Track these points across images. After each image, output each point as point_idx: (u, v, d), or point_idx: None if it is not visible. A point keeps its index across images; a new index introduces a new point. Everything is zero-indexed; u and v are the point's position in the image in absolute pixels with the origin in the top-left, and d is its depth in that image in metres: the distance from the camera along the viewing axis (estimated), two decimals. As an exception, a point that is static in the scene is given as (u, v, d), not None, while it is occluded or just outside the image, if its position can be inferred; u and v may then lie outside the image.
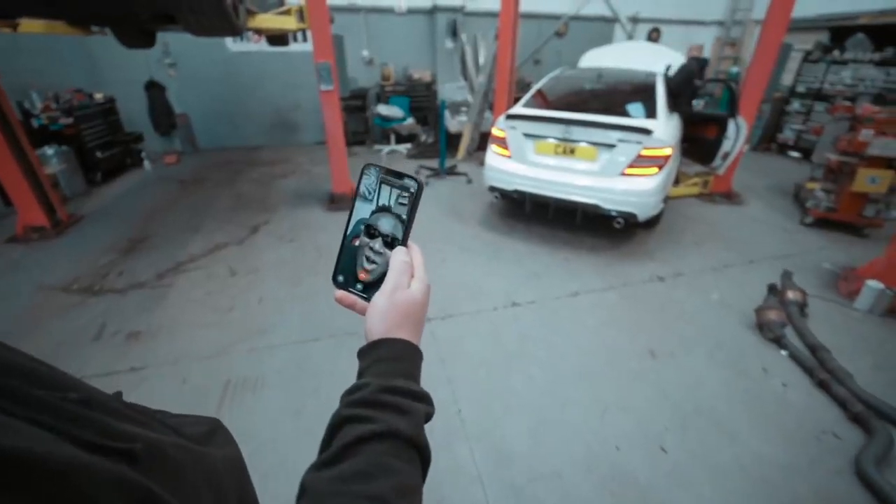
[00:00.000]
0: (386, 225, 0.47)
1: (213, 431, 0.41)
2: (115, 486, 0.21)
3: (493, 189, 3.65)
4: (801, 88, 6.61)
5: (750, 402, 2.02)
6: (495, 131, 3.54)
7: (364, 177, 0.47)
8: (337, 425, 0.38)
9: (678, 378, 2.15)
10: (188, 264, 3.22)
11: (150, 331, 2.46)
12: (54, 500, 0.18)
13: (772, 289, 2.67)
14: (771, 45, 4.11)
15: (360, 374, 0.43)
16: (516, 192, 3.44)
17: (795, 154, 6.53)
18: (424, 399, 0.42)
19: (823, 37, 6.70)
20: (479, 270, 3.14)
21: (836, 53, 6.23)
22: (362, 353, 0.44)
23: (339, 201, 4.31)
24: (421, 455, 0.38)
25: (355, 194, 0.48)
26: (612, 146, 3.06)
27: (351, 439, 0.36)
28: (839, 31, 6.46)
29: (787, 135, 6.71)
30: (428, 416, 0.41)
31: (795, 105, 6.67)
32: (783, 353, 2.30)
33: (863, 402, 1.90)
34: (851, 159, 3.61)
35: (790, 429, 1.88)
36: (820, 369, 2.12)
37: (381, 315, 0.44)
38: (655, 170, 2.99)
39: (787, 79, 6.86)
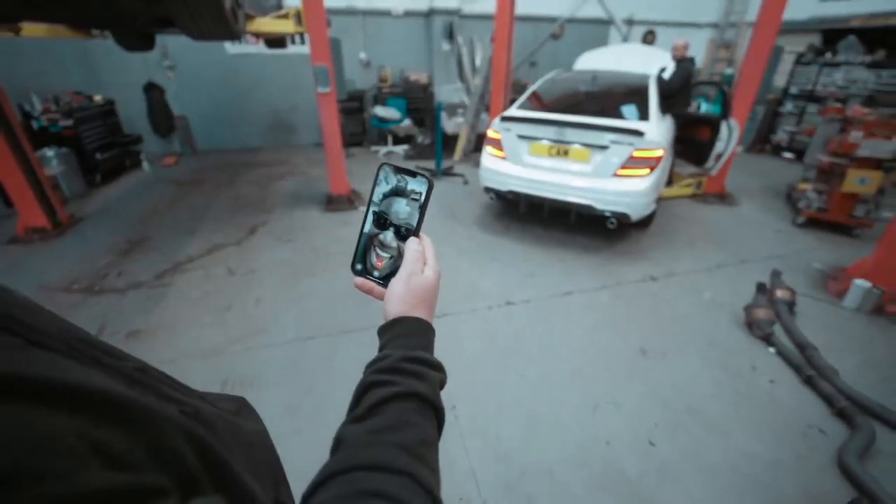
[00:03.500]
0: (399, 217, 0.52)
1: (241, 409, 0.45)
2: (181, 430, 0.26)
3: (488, 190, 3.70)
4: (793, 90, 6.68)
5: (738, 398, 2.06)
6: (490, 133, 3.59)
7: (380, 175, 0.52)
8: (363, 390, 0.42)
9: (669, 376, 2.19)
10: (187, 264, 3.25)
11: (150, 330, 2.49)
12: (143, 435, 0.23)
13: (761, 287, 2.72)
14: (763, 47, 4.17)
15: (382, 348, 0.47)
16: (511, 192, 3.49)
17: (789, 155, 6.59)
18: (439, 368, 0.46)
19: (816, 39, 6.78)
20: (474, 270, 3.18)
21: (828, 56, 6.30)
22: (383, 330, 0.49)
23: (337, 202, 4.35)
24: (437, 415, 0.43)
25: (372, 191, 0.52)
26: (604, 147, 3.11)
27: (378, 399, 0.40)
28: (831, 34, 6.54)
29: (781, 136, 6.78)
30: (442, 384, 0.46)
31: (788, 106, 6.74)
32: (771, 350, 2.34)
33: (847, 398, 1.95)
34: (842, 160, 3.67)
35: (777, 425, 1.92)
36: (807, 366, 2.17)
37: (399, 298, 0.49)
38: (647, 171, 3.04)
39: (781, 80, 6.94)
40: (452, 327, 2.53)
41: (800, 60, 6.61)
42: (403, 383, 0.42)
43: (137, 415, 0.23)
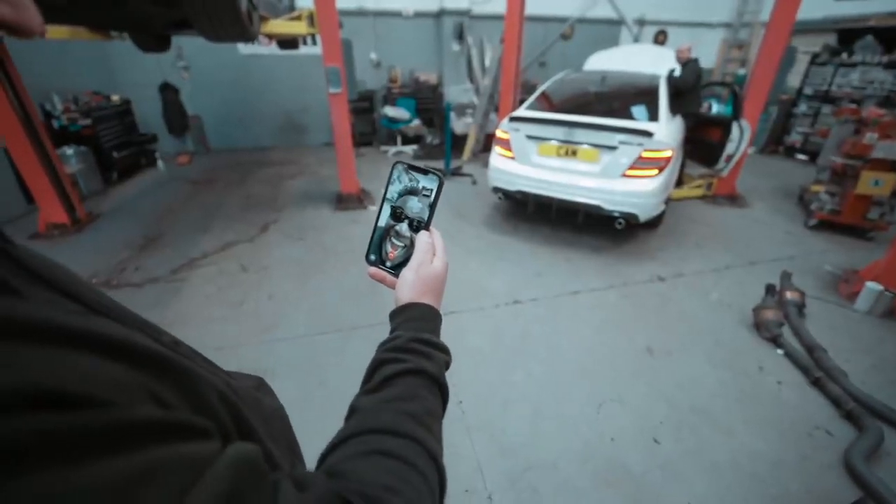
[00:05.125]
0: (411, 212, 0.56)
1: (260, 386, 0.50)
2: (220, 395, 0.30)
3: (496, 190, 3.72)
4: (808, 91, 6.59)
5: (744, 399, 2.06)
6: (499, 133, 3.61)
7: (394, 172, 0.56)
8: (376, 366, 0.46)
9: (675, 375, 2.20)
10: (201, 260, 3.33)
11: (166, 323, 2.55)
12: (188, 392, 0.26)
13: (769, 289, 2.70)
14: (775, 47, 4.13)
15: (393, 330, 0.51)
16: (519, 192, 3.51)
17: (802, 157, 6.50)
18: (445, 350, 0.50)
19: (831, 39, 6.67)
20: (482, 269, 3.21)
21: (844, 56, 6.20)
22: (394, 315, 0.52)
23: (347, 201, 4.41)
24: (442, 392, 0.46)
25: (386, 188, 0.56)
26: (613, 148, 3.12)
27: (389, 374, 0.44)
28: (847, 34, 6.43)
29: (795, 137, 6.68)
30: (447, 364, 0.50)
31: (803, 107, 6.65)
32: (779, 352, 2.34)
33: (855, 400, 1.94)
34: (856, 162, 3.63)
35: (783, 426, 1.92)
36: (815, 368, 2.16)
37: (410, 285, 0.53)
38: (656, 171, 3.04)
39: (795, 81, 6.84)
40: (460, 325, 2.57)
41: (815, 61, 6.52)
42: (413, 361, 0.45)
43: (183, 374, 0.27)
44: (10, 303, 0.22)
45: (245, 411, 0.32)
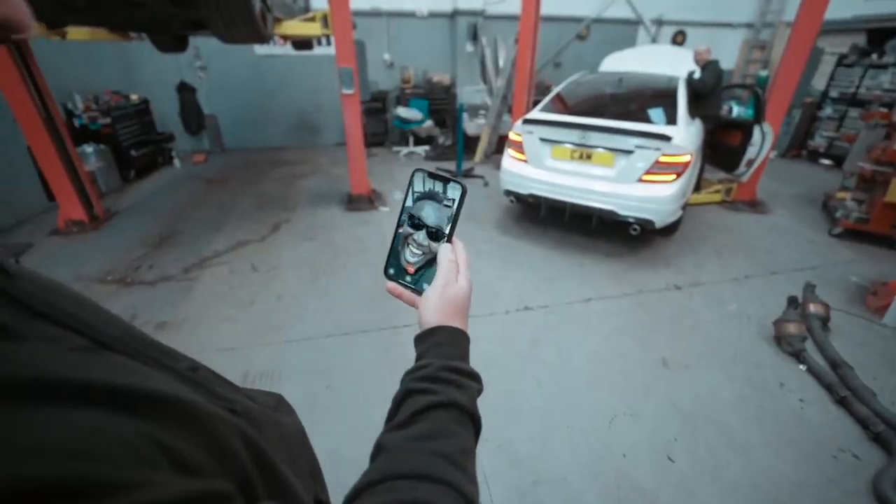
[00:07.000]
0: (430, 220, 0.52)
1: (279, 404, 0.47)
2: (237, 432, 0.27)
3: (508, 193, 3.67)
4: (834, 93, 6.36)
5: (764, 416, 1.98)
6: (512, 135, 3.56)
7: (413, 180, 0.52)
8: (403, 397, 0.43)
9: (690, 389, 2.12)
10: (213, 259, 3.36)
11: (177, 322, 2.59)
12: (206, 438, 0.24)
13: (792, 301, 2.60)
14: (801, 48, 3.98)
15: (420, 357, 0.48)
16: (531, 196, 3.45)
17: (827, 161, 6.28)
18: (476, 378, 0.47)
19: (860, 39, 6.43)
20: (493, 274, 3.17)
21: (874, 57, 5.97)
22: (420, 339, 0.49)
23: (357, 202, 4.40)
24: (475, 424, 0.43)
25: (405, 196, 0.53)
26: (629, 152, 3.04)
27: (419, 407, 0.41)
28: (878, 34, 6.18)
29: (819, 141, 6.46)
30: (479, 393, 0.47)
31: (828, 111, 6.42)
32: (802, 367, 2.24)
33: (885, 422, 1.84)
34: (886, 169, 3.47)
35: (805, 446, 1.83)
36: (840, 386, 2.06)
37: (436, 307, 0.49)
38: (674, 176, 2.95)
39: (820, 83, 6.61)
40: (469, 331, 2.52)
41: (842, 62, 6.29)
42: (443, 392, 0.42)
43: (200, 419, 0.24)
44: (9, 349, 0.20)
45: (267, 448, 0.30)
